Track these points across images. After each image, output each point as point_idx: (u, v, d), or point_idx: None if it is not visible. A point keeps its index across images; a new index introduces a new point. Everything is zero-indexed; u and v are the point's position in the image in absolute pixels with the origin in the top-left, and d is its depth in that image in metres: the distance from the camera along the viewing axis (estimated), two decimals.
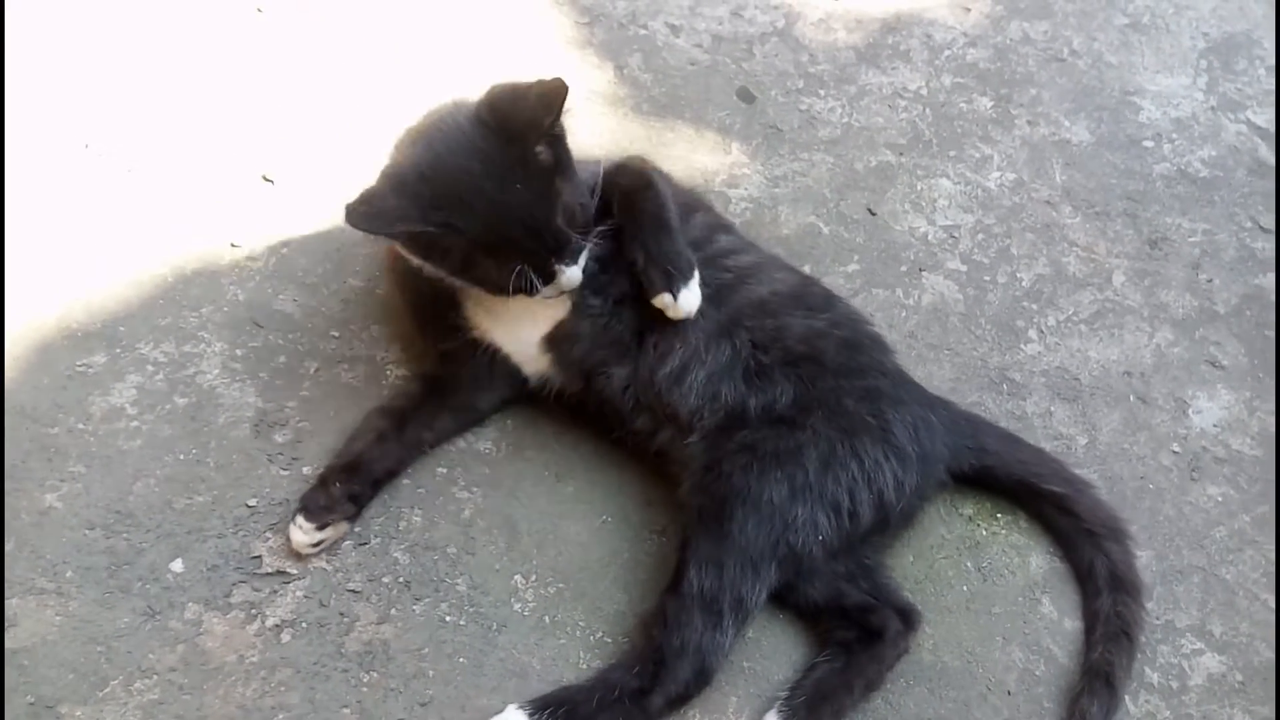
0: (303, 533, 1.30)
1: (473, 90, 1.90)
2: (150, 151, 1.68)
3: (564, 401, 1.44)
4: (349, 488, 1.33)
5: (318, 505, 1.31)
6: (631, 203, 1.35)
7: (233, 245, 1.59)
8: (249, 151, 1.71)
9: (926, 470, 1.37)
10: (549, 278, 1.27)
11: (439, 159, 1.25)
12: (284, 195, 1.67)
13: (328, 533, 1.32)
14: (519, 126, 1.23)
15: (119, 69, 1.78)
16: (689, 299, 1.31)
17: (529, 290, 1.27)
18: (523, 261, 1.25)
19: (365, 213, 1.21)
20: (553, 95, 1.23)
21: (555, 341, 1.38)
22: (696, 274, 1.32)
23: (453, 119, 1.28)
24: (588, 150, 1.80)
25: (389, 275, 1.52)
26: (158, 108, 1.74)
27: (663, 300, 1.31)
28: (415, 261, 1.33)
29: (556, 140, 1.28)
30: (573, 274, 1.29)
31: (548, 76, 1.24)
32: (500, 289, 1.28)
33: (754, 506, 1.27)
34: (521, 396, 1.46)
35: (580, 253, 1.30)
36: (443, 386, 1.43)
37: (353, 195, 1.23)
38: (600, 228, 1.32)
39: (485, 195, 1.23)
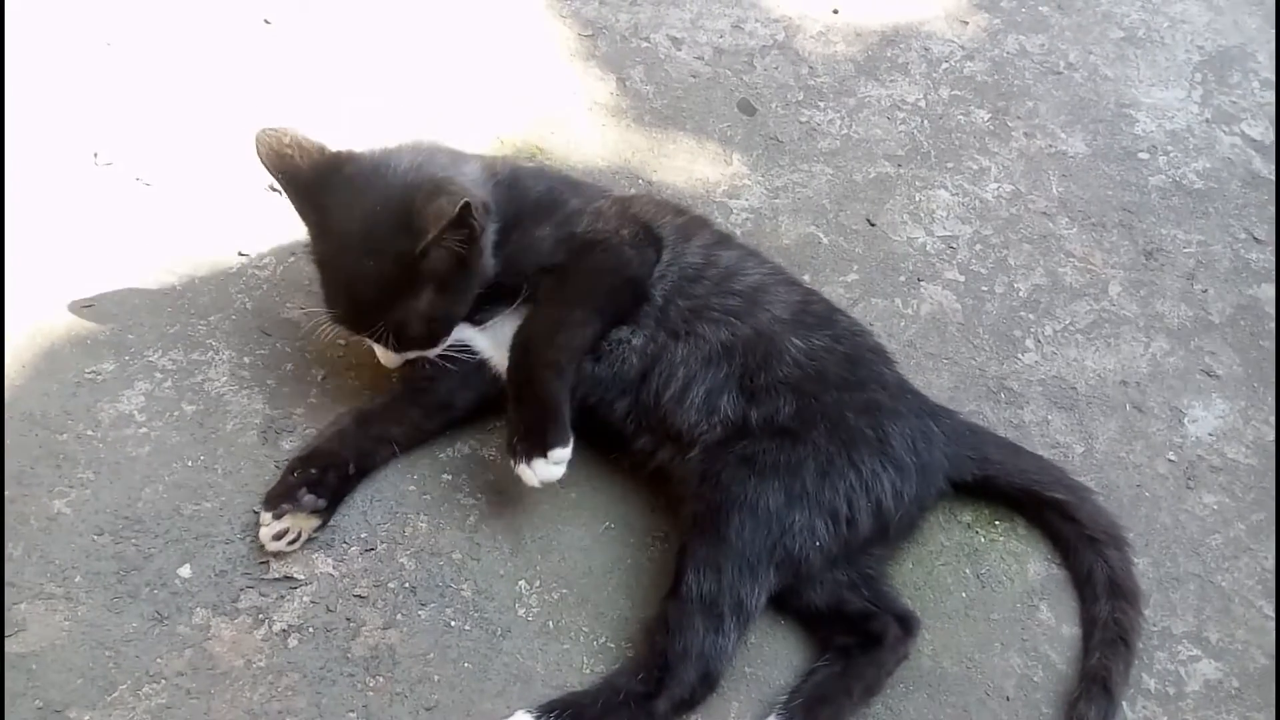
0: (263, 525, 1.31)
1: (472, 102, 1.91)
2: (158, 161, 1.70)
3: None
4: (305, 474, 1.33)
5: (273, 494, 1.33)
6: (519, 361, 1.33)
7: (240, 254, 1.61)
8: (256, 161, 1.71)
9: (926, 480, 1.39)
10: (375, 340, 1.36)
11: (353, 189, 1.32)
12: (291, 205, 1.68)
13: (286, 522, 1.31)
14: (412, 226, 1.26)
15: (127, 78, 1.80)
16: (531, 475, 1.29)
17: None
18: (331, 316, 1.35)
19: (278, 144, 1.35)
20: (441, 217, 1.23)
21: None
22: (562, 448, 1.28)
23: (390, 169, 1.33)
24: (591, 161, 1.84)
25: None
26: (166, 117, 1.76)
27: (515, 472, 1.30)
28: None
29: (459, 256, 1.29)
30: (387, 357, 1.40)
31: (447, 202, 1.23)
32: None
33: (750, 511, 1.28)
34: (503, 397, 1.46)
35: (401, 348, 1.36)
36: (416, 383, 1.44)
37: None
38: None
39: (341, 241, 1.32)
